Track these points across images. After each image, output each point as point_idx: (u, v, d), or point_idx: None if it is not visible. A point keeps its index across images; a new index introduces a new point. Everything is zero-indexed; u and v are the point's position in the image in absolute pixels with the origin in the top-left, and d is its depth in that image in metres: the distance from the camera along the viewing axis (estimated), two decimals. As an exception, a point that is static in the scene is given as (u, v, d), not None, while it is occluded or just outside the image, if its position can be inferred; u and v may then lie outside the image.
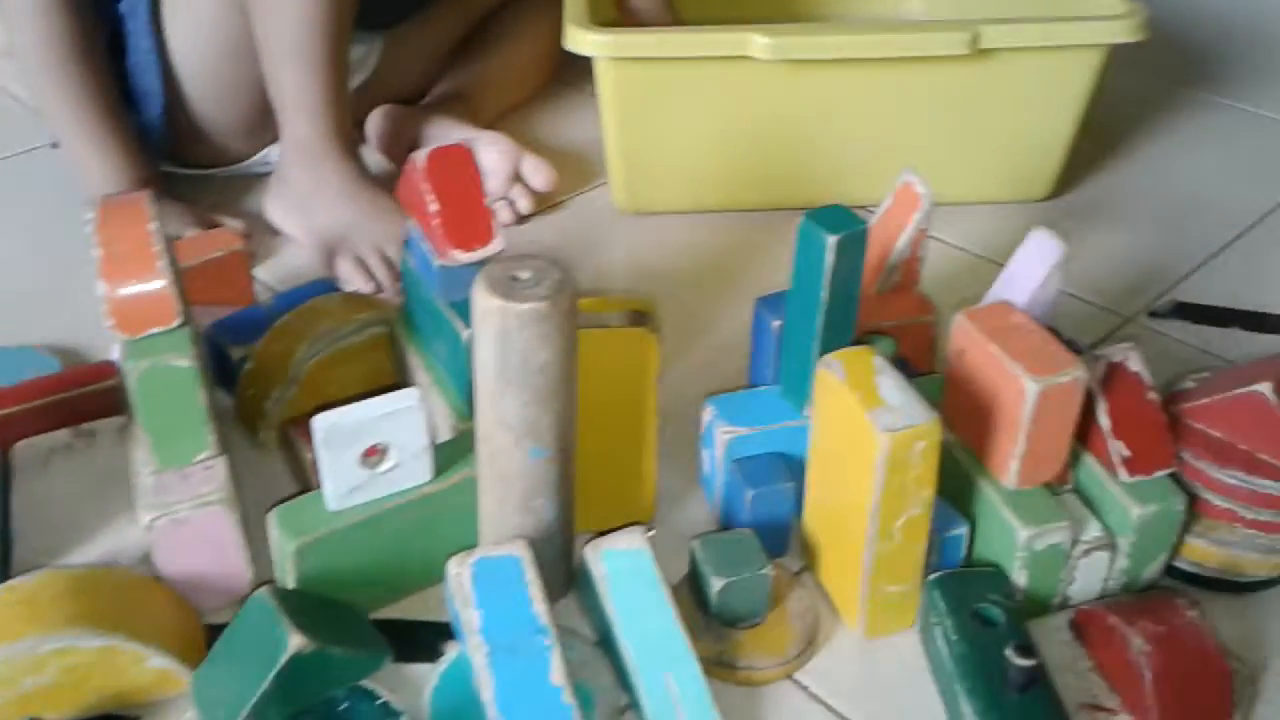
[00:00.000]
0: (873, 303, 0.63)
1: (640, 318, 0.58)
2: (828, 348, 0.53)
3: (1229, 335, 0.73)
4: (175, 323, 0.52)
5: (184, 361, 0.51)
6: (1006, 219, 0.85)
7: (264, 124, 0.83)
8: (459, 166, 0.56)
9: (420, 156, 0.56)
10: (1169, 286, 0.78)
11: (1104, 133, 0.96)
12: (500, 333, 0.46)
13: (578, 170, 0.91)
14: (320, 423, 0.47)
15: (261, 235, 0.83)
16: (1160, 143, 0.96)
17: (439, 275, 0.56)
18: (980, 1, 1.02)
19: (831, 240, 0.51)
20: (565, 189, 0.88)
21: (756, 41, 0.75)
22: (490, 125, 0.96)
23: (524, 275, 0.47)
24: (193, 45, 0.81)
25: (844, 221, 0.52)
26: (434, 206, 0.55)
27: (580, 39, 0.77)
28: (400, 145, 0.90)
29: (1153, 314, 0.75)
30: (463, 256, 0.55)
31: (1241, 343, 0.73)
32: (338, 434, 0.48)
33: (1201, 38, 1.15)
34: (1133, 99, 1.02)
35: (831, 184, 0.84)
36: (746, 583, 0.51)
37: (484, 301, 0.46)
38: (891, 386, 0.49)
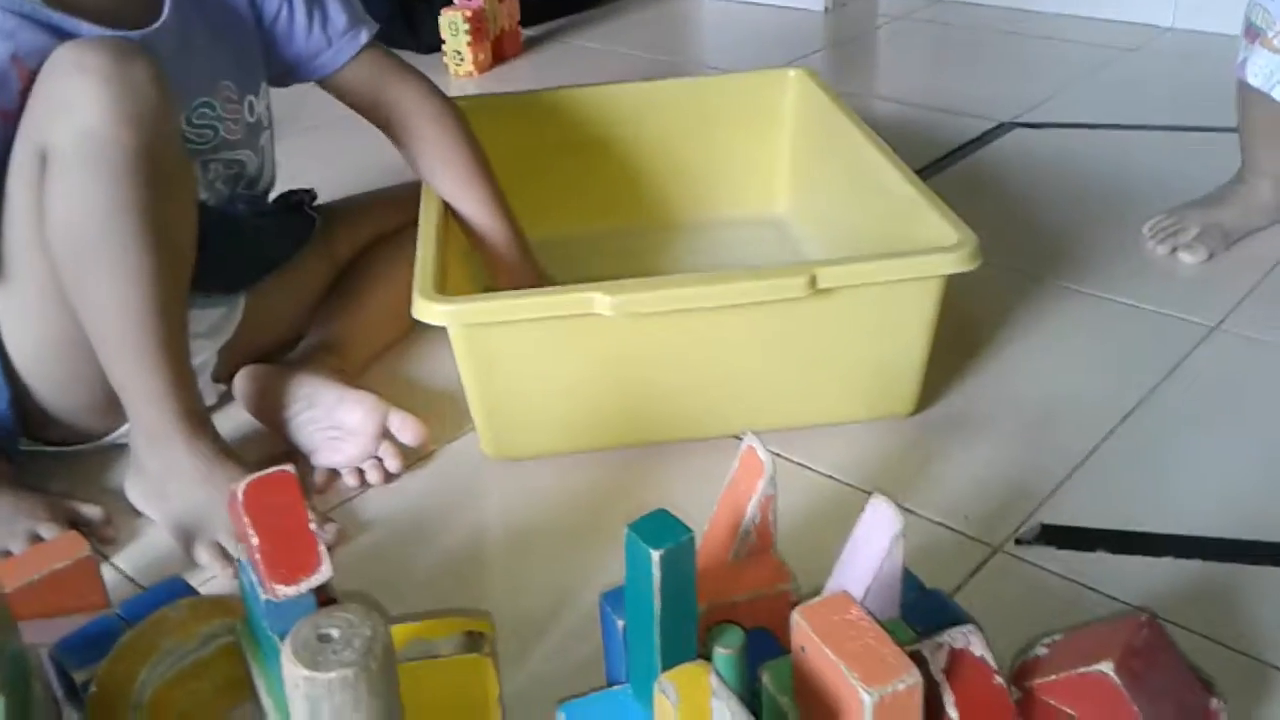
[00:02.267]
0: (728, 573, 0.62)
1: (476, 640, 0.56)
2: (670, 654, 0.52)
3: (1098, 561, 0.73)
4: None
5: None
6: (872, 438, 0.85)
7: (115, 404, 0.82)
8: (281, 493, 0.55)
9: (239, 488, 0.54)
10: (1036, 506, 0.78)
11: (962, 333, 0.97)
12: (309, 700, 0.44)
13: (449, 413, 0.91)
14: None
15: (123, 516, 0.81)
16: (1020, 339, 0.98)
17: (265, 608, 0.54)
18: (844, 199, 1.06)
19: (656, 555, 0.50)
20: (435, 436, 0.88)
21: (599, 300, 0.76)
22: (360, 371, 0.95)
23: (334, 633, 0.46)
24: (28, 338, 0.81)
25: (669, 533, 0.51)
26: (255, 540, 0.54)
27: (427, 310, 0.77)
28: (269, 405, 0.89)
29: (1019, 541, 0.75)
30: (287, 591, 0.53)
31: (1111, 568, 0.73)
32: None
33: (1051, 222, 1.18)
34: (989, 291, 1.04)
35: (690, 418, 0.84)
36: None
37: (291, 670, 0.44)
38: (725, 712, 0.47)
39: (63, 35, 0.75)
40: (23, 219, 0.76)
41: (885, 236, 0.93)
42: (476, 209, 0.95)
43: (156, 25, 0.81)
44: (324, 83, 0.95)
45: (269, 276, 0.95)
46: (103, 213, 0.72)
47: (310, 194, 1.02)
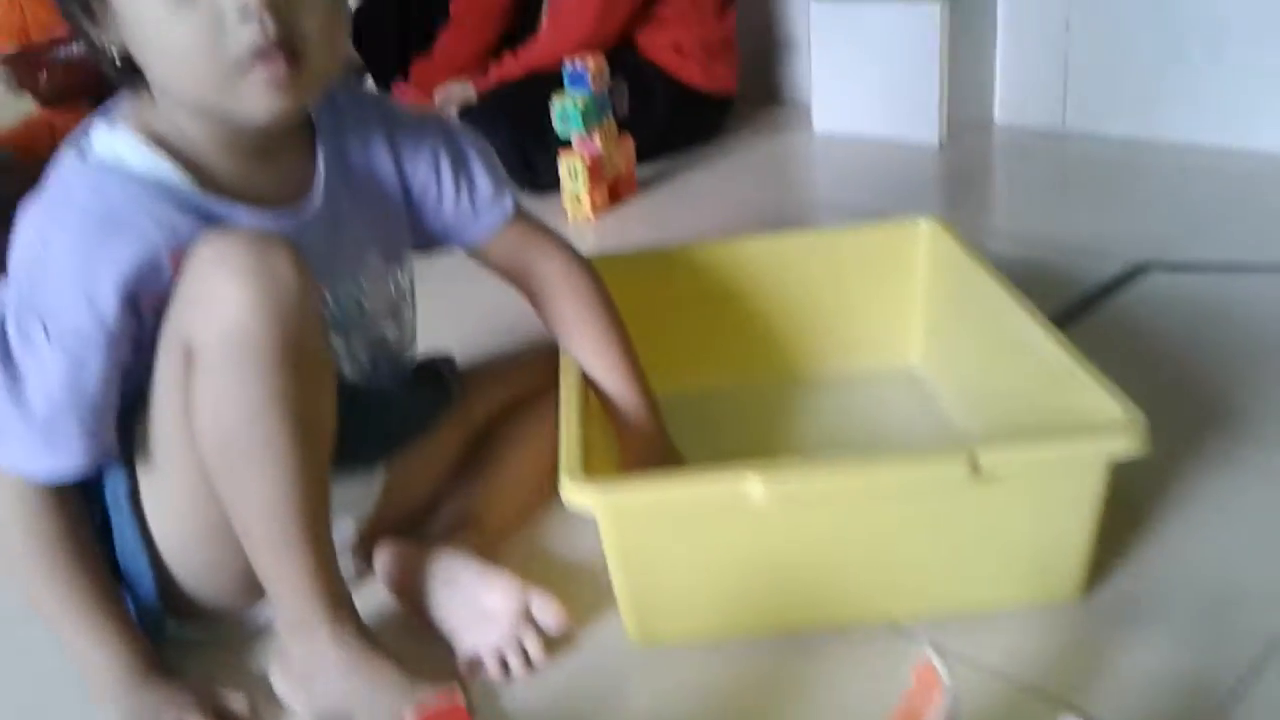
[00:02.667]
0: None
1: None
2: None
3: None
4: None
5: None
6: (1037, 626, 0.81)
7: (258, 585, 0.81)
8: (449, 721, 0.53)
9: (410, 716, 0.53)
10: (1219, 704, 0.73)
11: (1122, 503, 0.92)
12: None
13: (591, 591, 0.88)
14: None
15: (269, 705, 0.80)
16: (1185, 511, 0.92)
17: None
18: (984, 357, 1.03)
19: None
20: (578, 617, 0.85)
21: (753, 486, 0.74)
22: (499, 543, 0.94)
23: None
24: (173, 526, 0.81)
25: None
26: (424, 774, 0.52)
27: (576, 493, 0.76)
28: (409, 583, 0.88)
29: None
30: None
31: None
32: None
33: (1205, 377, 1.13)
34: (1147, 457, 0.99)
35: (842, 603, 0.81)
36: None
37: None
38: None
39: (216, 220, 0.77)
40: (169, 412, 0.77)
41: (1035, 405, 0.90)
42: (608, 376, 0.95)
43: (307, 206, 0.83)
44: (468, 249, 0.96)
45: (406, 447, 0.95)
46: (249, 410, 0.73)
47: (450, 363, 1.03)
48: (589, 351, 0.95)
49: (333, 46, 0.76)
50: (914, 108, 1.94)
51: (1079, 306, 1.28)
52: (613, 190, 1.82)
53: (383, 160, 0.89)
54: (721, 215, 1.78)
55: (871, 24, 1.96)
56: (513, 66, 1.96)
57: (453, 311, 1.17)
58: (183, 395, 0.75)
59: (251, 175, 0.80)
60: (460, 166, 0.92)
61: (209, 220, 0.76)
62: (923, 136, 1.94)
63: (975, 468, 0.74)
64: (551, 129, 1.77)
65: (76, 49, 2.12)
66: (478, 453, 1.00)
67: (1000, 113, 2.00)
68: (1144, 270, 1.36)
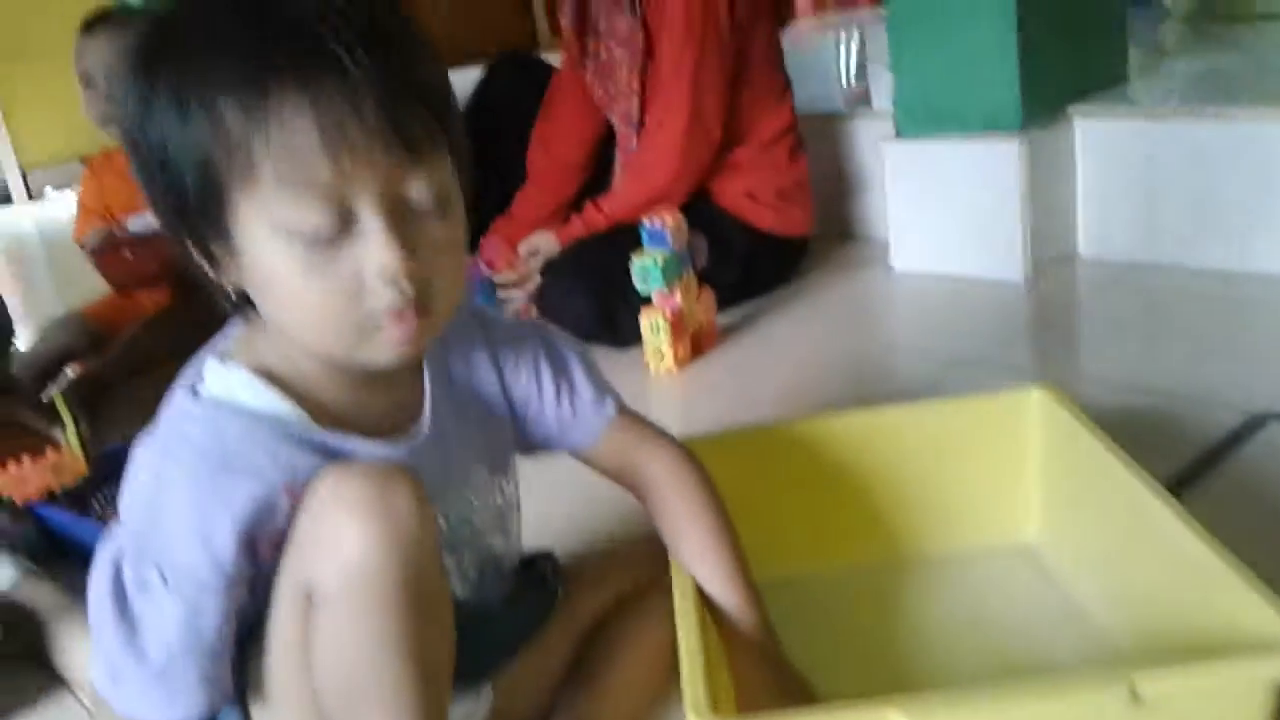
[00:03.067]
0: None
1: None
2: None
3: None
4: None
5: None
6: None
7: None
8: None
9: None
10: None
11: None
12: None
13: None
14: None
15: None
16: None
17: None
18: (1109, 539, 0.98)
19: None
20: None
21: (897, 724, 0.69)
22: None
23: None
24: None
25: None
26: None
27: (705, 734, 0.72)
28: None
29: None
30: None
31: None
32: None
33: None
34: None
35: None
36: None
37: None
38: None
39: (332, 454, 0.75)
40: (286, 649, 0.75)
41: (1177, 601, 0.85)
42: (716, 582, 0.91)
43: (417, 431, 0.81)
44: (572, 453, 0.94)
45: (513, 660, 0.92)
46: (370, 651, 0.70)
47: (552, 561, 1.00)
48: (696, 555, 0.92)
49: (458, 292, 0.76)
50: (995, 243, 1.91)
51: (1197, 467, 1.22)
52: (695, 343, 1.80)
53: (486, 374, 0.88)
54: (804, 362, 1.75)
55: (947, 161, 1.95)
56: (595, 218, 1.97)
57: (551, 502, 1.14)
58: (301, 634, 0.73)
59: (362, 404, 0.79)
60: (561, 373, 0.91)
61: (325, 454, 0.75)
62: (1006, 273, 1.91)
63: (1135, 697, 0.69)
64: (632, 284, 1.77)
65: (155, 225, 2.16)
66: (586, 656, 0.96)
67: (1084, 245, 1.96)
68: (1262, 422, 1.30)
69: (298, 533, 0.73)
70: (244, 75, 0.67)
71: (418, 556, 0.71)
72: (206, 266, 0.74)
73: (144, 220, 2.18)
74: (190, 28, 0.70)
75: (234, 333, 0.80)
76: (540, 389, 0.90)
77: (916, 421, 1.12)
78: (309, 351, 0.76)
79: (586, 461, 0.95)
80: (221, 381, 0.76)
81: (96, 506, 1.50)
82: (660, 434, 0.96)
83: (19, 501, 1.31)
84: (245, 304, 0.76)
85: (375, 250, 0.69)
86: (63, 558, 1.39)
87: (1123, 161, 1.89)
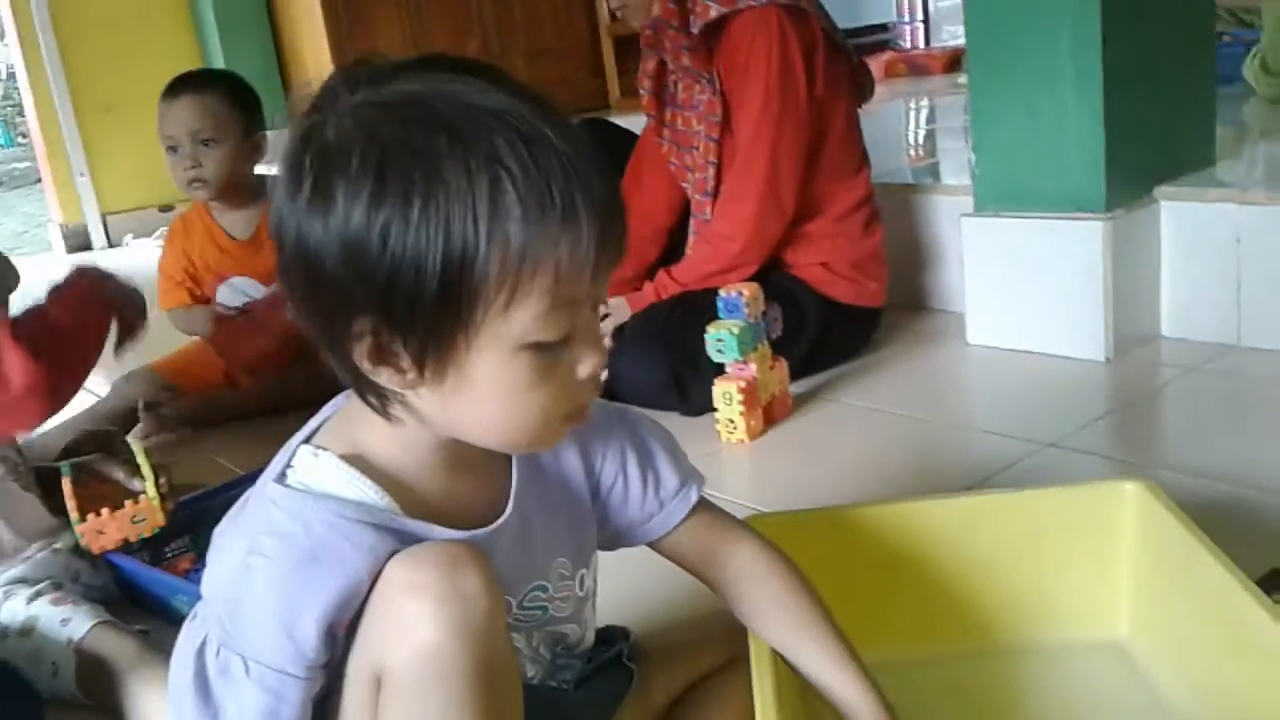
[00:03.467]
0: None
1: None
2: None
3: None
4: None
5: None
6: None
7: None
8: None
9: None
10: None
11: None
12: None
13: None
14: None
15: None
16: None
17: None
18: (1204, 639, 0.95)
19: None
20: None
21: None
22: None
23: None
24: None
25: None
26: None
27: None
28: None
29: None
30: None
31: None
32: None
33: None
34: None
35: None
36: None
37: None
38: None
39: (415, 541, 0.74)
40: (358, 733, 0.74)
41: (1268, 700, 0.82)
42: (831, 670, 0.88)
43: (498, 524, 0.80)
44: (652, 544, 0.93)
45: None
46: None
47: (627, 639, 0.98)
48: (798, 642, 0.89)
49: None
50: (1076, 322, 1.88)
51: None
52: (767, 413, 1.79)
53: (572, 464, 0.87)
54: (878, 436, 1.73)
55: (1028, 238, 1.93)
56: (666, 285, 1.97)
57: (626, 576, 1.13)
58: (369, 717, 0.72)
59: (453, 493, 0.78)
60: (647, 463, 0.90)
61: (411, 540, 0.74)
62: (1087, 352, 1.88)
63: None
64: (703, 352, 1.76)
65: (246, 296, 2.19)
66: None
67: (1168, 326, 1.93)
68: (1360, 520, 1.26)
69: (369, 615, 0.72)
70: (528, 195, 0.66)
71: (488, 640, 0.70)
72: (379, 371, 0.71)
73: (231, 289, 2.21)
74: (446, 134, 0.67)
75: (328, 416, 0.80)
76: (626, 479, 0.89)
77: (1008, 510, 1.09)
78: (445, 441, 0.76)
79: (663, 551, 0.93)
80: (312, 469, 0.75)
81: (170, 555, 1.51)
82: (741, 524, 0.94)
83: (96, 551, 1.32)
84: (371, 395, 0.74)
85: (593, 353, 0.72)
86: (134, 605, 1.40)
87: (1208, 243, 1.86)
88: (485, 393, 0.71)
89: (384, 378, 0.72)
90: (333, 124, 0.69)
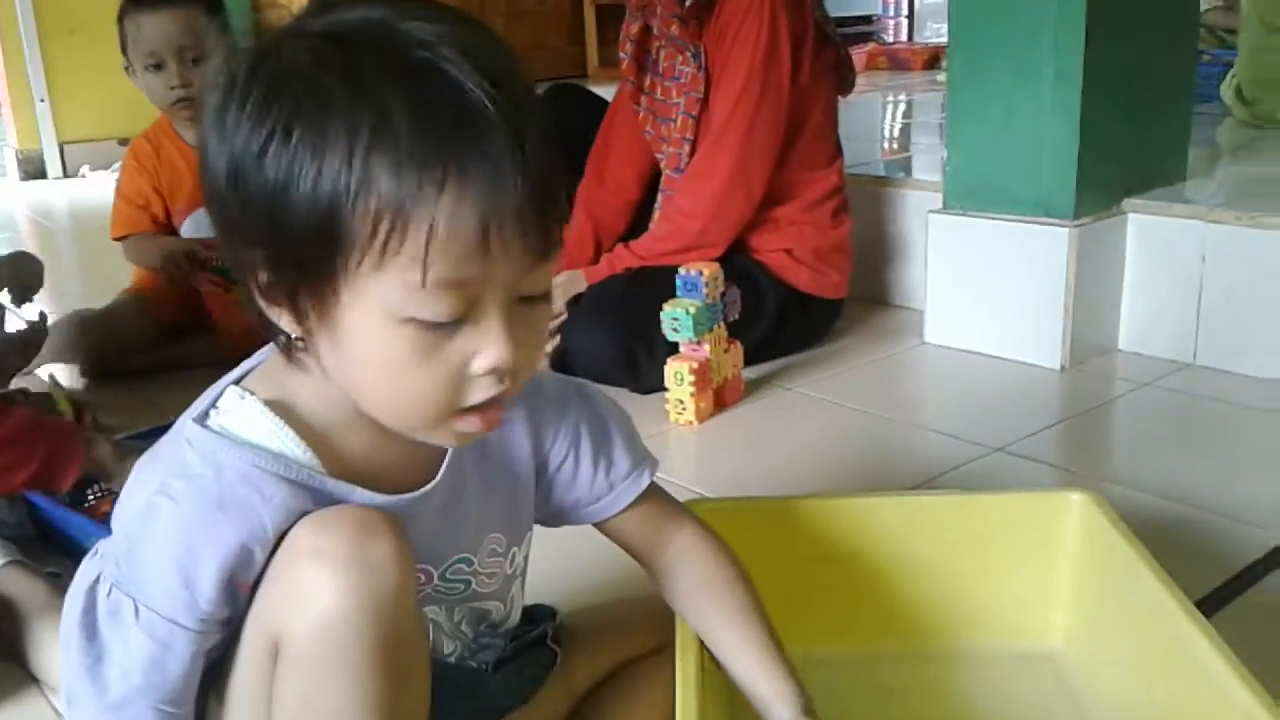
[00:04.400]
0: None
1: None
2: None
3: None
4: None
5: None
6: None
7: None
8: None
9: None
10: None
11: None
12: None
13: None
14: None
15: None
16: None
17: None
18: (1126, 645, 0.94)
19: None
20: None
21: None
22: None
23: None
24: None
25: None
26: None
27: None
28: None
29: None
30: None
31: None
32: None
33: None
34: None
35: None
36: None
37: None
38: None
39: (333, 503, 0.71)
40: (250, 699, 0.71)
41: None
42: (753, 663, 0.85)
43: (422, 491, 0.76)
44: (596, 524, 0.89)
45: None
46: (338, 712, 0.66)
47: (553, 617, 0.95)
48: (726, 630, 0.86)
49: (535, 367, 0.72)
50: (1035, 328, 1.87)
51: (1228, 588, 1.18)
52: (718, 396, 1.76)
53: (519, 437, 0.83)
54: (827, 428, 1.71)
55: (994, 239, 1.91)
56: (624, 259, 1.93)
57: (556, 557, 1.09)
58: (264, 684, 0.69)
59: (380, 454, 0.74)
60: (601, 443, 0.86)
61: (326, 503, 0.70)
62: (1042, 359, 1.87)
63: None
64: (657, 329, 1.73)
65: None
66: (580, 721, 0.92)
67: (1125, 340, 1.92)
68: (1298, 548, 1.25)
69: (270, 578, 0.68)
70: (410, 151, 0.61)
71: (394, 614, 0.67)
72: (275, 310, 0.68)
73: (196, 223, 2.09)
74: (343, 74, 0.62)
75: (261, 361, 0.75)
76: (577, 459, 0.85)
77: (951, 512, 1.07)
78: (354, 407, 0.71)
79: (606, 532, 0.89)
80: (235, 413, 0.71)
81: (92, 499, 1.46)
82: (684, 510, 0.91)
83: (2, 491, 1.28)
84: (300, 349, 0.70)
85: (491, 346, 0.65)
86: (49, 546, 1.36)
87: (1173, 259, 1.85)
88: (364, 359, 0.66)
89: (283, 320, 0.68)
90: (255, 47, 0.66)
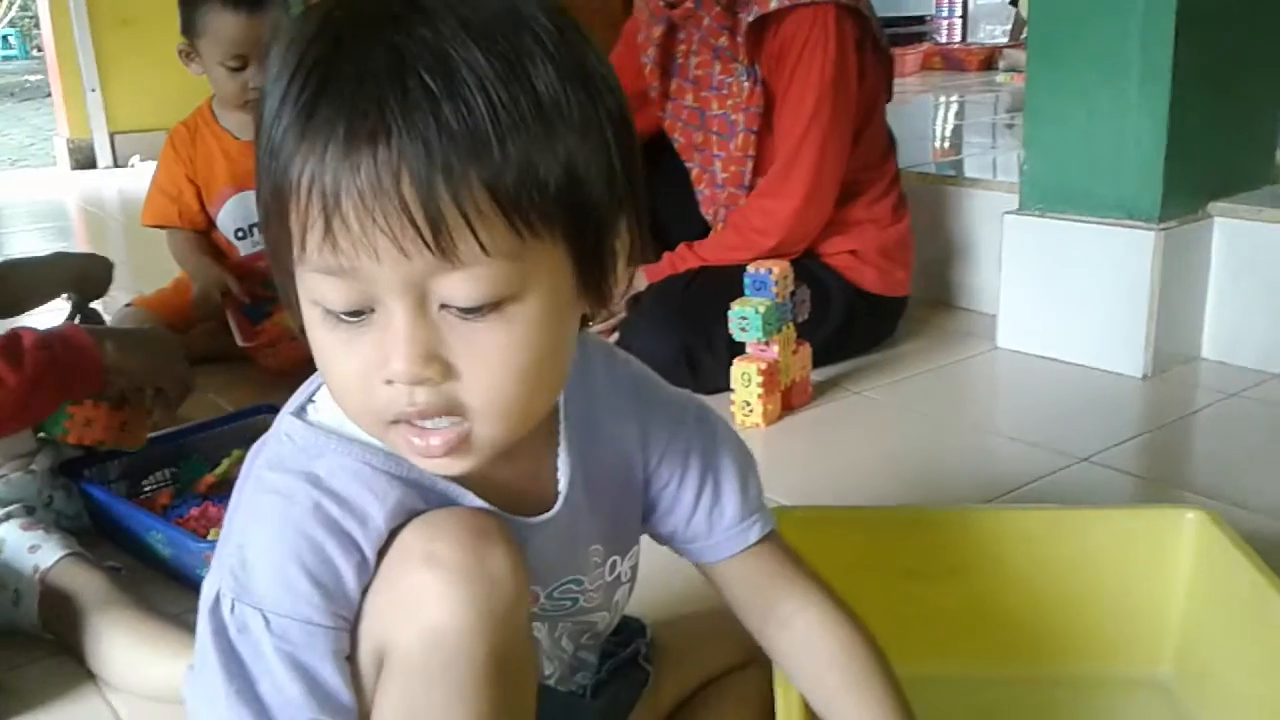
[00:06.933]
0: None
1: None
2: None
3: None
4: None
5: None
6: None
7: None
8: None
9: None
10: None
11: None
12: None
13: None
14: None
15: None
16: None
17: None
18: (1241, 674, 0.87)
19: None
20: None
21: None
22: None
23: None
24: None
25: None
26: None
27: None
28: None
29: None
30: None
31: None
32: None
33: None
34: None
35: None
36: None
37: None
38: None
39: (441, 499, 0.66)
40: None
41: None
42: None
43: (543, 517, 0.70)
44: (695, 565, 0.82)
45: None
46: None
47: (644, 633, 0.90)
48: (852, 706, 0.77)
49: (516, 401, 0.61)
50: (1116, 335, 1.80)
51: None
52: (785, 399, 1.71)
53: (630, 450, 0.76)
54: (898, 433, 1.65)
55: (1073, 243, 1.84)
56: (687, 259, 1.88)
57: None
58: (366, 692, 0.64)
59: (492, 465, 0.66)
60: (708, 476, 0.78)
61: (433, 498, 0.65)
62: (1123, 366, 1.80)
63: None
64: (719, 328, 1.68)
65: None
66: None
67: (1209, 348, 1.85)
68: None
69: (380, 585, 0.64)
70: (304, 111, 0.55)
71: (508, 631, 0.62)
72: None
73: (240, 206, 2.04)
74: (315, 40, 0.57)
75: None
76: (680, 485, 0.78)
77: (1056, 527, 1.01)
78: None
79: (709, 579, 0.82)
80: (333, 407, 0.66)
81: (149, 490, 1.43)
82: (808, 574, 0.81)
83: (74, 441, 1.28)
84: None
85: (390, 351, 0.58)
86: (107, 539, 1.33)
87: (1260, 265, 1.78)
88: (312, 346, 0.62)
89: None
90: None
